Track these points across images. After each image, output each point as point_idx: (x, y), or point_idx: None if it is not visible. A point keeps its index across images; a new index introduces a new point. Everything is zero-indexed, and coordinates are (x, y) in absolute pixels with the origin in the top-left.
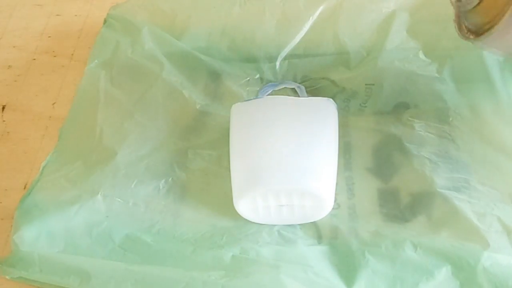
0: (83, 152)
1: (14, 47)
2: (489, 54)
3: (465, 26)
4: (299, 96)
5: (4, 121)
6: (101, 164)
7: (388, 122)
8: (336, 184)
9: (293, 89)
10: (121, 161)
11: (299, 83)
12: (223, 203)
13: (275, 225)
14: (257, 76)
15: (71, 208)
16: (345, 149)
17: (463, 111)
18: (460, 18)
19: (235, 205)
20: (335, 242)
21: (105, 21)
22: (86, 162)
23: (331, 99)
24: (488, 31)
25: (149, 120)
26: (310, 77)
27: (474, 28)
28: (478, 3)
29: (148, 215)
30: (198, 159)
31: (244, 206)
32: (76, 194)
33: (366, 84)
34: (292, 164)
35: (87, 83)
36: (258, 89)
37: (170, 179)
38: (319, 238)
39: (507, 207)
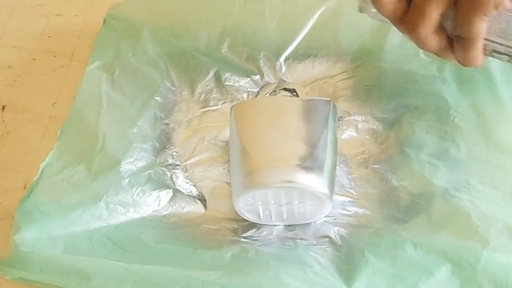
0: (85, 156)
1: (14, 47)
2: None
3: None
4: (299, 96)
5: (4, 121)
6: (104, 170)
7: (388, 124)
8: (336, 184)
9: (293, 89)
10: (124, 170)
11: (299, 84)
12: (223, 204)
13: (275, 225)
14: (257, 76)
15: (73, 212)
16: (345, 150)
17: (464, 110)
18: None
19: (234, 204)
20: (335, 242)
21: (104, 21)
22: (89, 167)
23: (330, 100)
24: None
25: (151, 130)
26: (310, 78)
27: None
28: None
29: (148, 223)
30: (198, 159)
31: (244, 205)
32: (79, 199)
33: (366, 85)
34: (291, 164)
35: (88, 84)
36: (258, 89)
37: (171, 190)
38: (319, 238)
39: (507, 205)
